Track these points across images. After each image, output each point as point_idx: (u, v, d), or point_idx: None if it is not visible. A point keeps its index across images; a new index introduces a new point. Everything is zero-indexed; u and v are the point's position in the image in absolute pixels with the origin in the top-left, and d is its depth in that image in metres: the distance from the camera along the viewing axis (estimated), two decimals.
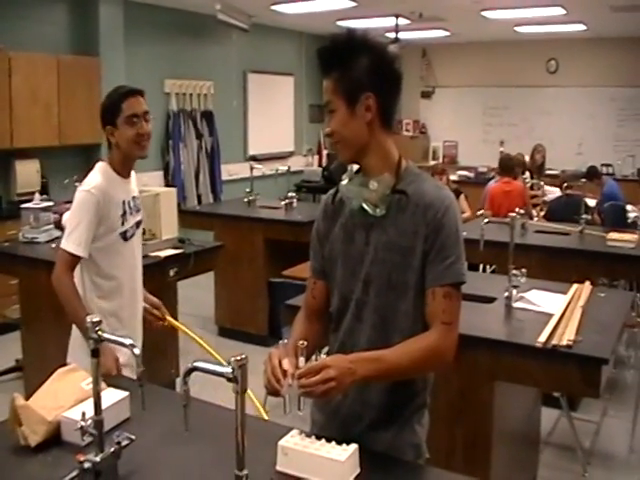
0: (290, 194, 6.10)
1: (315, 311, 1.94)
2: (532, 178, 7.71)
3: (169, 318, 2.96)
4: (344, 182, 1.82)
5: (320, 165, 10.74)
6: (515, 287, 3.10)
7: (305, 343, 1.68)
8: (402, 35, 9.26)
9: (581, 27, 9.21)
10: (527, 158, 8.81)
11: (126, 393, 1.96)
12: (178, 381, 4.15)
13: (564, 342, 2.59)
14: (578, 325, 2.77)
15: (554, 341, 2.61)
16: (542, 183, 7.42)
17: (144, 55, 7.58)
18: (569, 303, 3.07)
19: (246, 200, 6.20)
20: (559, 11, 8.02)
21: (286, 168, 6.93)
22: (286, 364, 1.65)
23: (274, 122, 10.07)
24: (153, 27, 7.78)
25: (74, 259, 2.50)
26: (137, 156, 2.63)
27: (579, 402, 4.36)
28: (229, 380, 1.39)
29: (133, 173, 2.78)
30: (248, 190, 6.25)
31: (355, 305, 1.80)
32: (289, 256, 5.51)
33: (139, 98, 2.58)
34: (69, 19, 6.82)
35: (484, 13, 8.33)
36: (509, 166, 6.56)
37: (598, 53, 10.14)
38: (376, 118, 1.72)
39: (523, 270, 3.14)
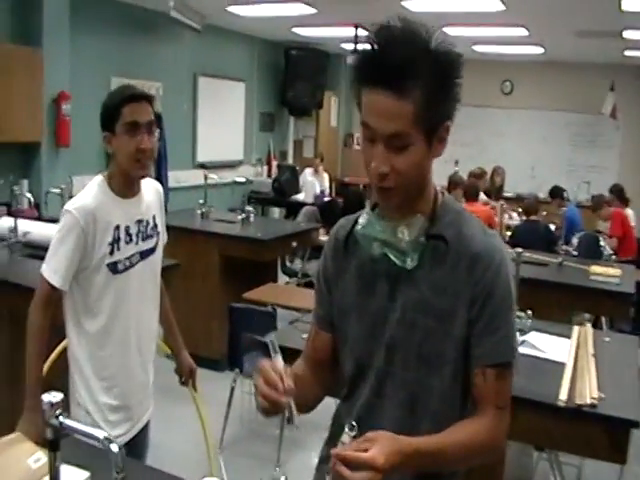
0: (248, 208, 5.69)
1: (317, 363, 1.57)
2: (490, 199, 7.55)
3: (191, 388, 2.45)
4: (359, 226, 1.41)
5: (269, 176, 10.33)
6: (520, 331, 2.79)
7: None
8: (360, 47, 8.98)
9: (539, 50, 9.22)
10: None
11: (87, 474, 1.54)
12: None
13: (587, 401, 2.29)
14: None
15: (577, 399, 2.30)
16: (504, 204, 7.24)
17: (91, 50, 7.02)
18: (577, 350, 2.79)
19: (199, 212, 5.75)
20: (522, 32, 7.94)
21: (244, 179, 6.55)
22: (280, 364, 1.32)
23: (224, 129, 9.58)
24: (101, 20, 7.23)
25: (53, 290, 2.07)
26: (136, 175, 2.18)
27: None
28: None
29: (150, 188, 2.32)
30: (202, 201, 5.79)
31: (375, 376, 1.44)
32: (247, 275, 5.13)
33: (144, 104, 2.14)
34: (10, 5, 6.22)
35: (446, 29, 8.15)
36: (475, 191, 6.16)
37: (554, 77, 10.15)
38: None
39: (529, 312, 2.84)
